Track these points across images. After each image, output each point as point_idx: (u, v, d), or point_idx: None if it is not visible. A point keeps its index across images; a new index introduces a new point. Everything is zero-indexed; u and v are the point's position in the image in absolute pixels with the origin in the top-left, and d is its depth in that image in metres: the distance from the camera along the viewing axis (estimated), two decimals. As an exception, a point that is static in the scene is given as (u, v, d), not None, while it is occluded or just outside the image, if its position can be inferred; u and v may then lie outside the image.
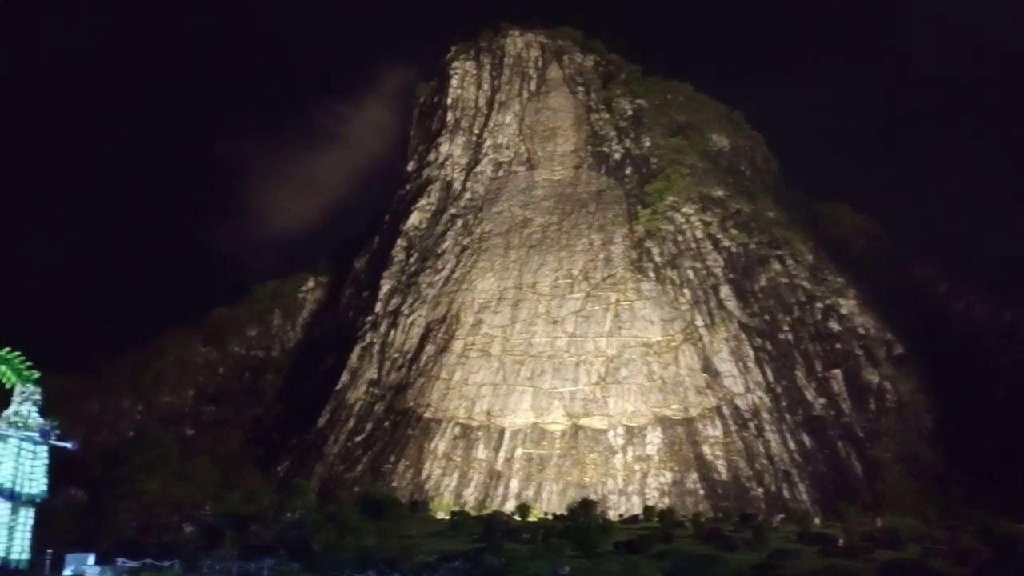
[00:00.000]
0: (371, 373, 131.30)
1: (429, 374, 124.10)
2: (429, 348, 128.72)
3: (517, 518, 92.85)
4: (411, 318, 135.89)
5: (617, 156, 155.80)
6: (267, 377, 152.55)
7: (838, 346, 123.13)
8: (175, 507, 76.00)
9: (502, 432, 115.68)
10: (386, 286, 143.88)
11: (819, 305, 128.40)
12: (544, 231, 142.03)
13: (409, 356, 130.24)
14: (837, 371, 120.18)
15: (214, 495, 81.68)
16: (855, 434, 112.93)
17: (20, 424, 6.50)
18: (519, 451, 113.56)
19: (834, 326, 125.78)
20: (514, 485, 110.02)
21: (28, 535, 6.50)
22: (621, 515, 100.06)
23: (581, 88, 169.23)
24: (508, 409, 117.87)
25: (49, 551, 41.53)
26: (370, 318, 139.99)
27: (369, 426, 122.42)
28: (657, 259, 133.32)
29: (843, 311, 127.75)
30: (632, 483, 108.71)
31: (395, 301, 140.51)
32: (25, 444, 6.30)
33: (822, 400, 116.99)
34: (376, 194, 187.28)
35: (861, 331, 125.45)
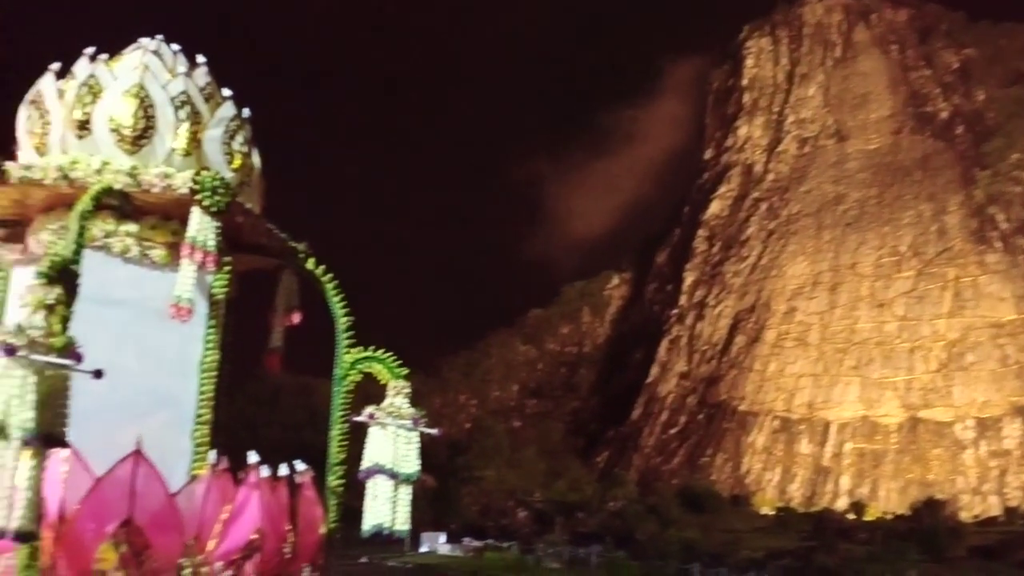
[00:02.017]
0: (680, 366, 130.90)
1: (741, 366, 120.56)
2: (739, 339, 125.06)
3: (851, 517, 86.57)
4: (718, 309, 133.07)
5: (944, 115, 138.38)
6: (581, 372, 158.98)
7: None
8: (509, 493, 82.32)
9: (827, 425, 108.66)
10: (690, 278, 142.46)
11: None
12: (862, 206, 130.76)
13: (718, 348, 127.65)
14: None
15: (542, 483, 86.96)
16: None
17: (395, 414, 7.61)
18: (848, 446, 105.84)
19: None
20: (845, 482, 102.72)
21: (407, 510, 7.59)
22: (976, 516, 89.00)
23: (894, 46, 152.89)
24: (832, 401, 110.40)
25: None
26: (675, 311, 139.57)
27: (683, 419, 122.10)
28: (1003, 226, 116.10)
29: None
30: (987, 481, 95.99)
31: (700, 293, 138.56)
32: (400, 431, 7.40)
33: None
34: (674, 187, 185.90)
35: None
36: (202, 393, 6.43)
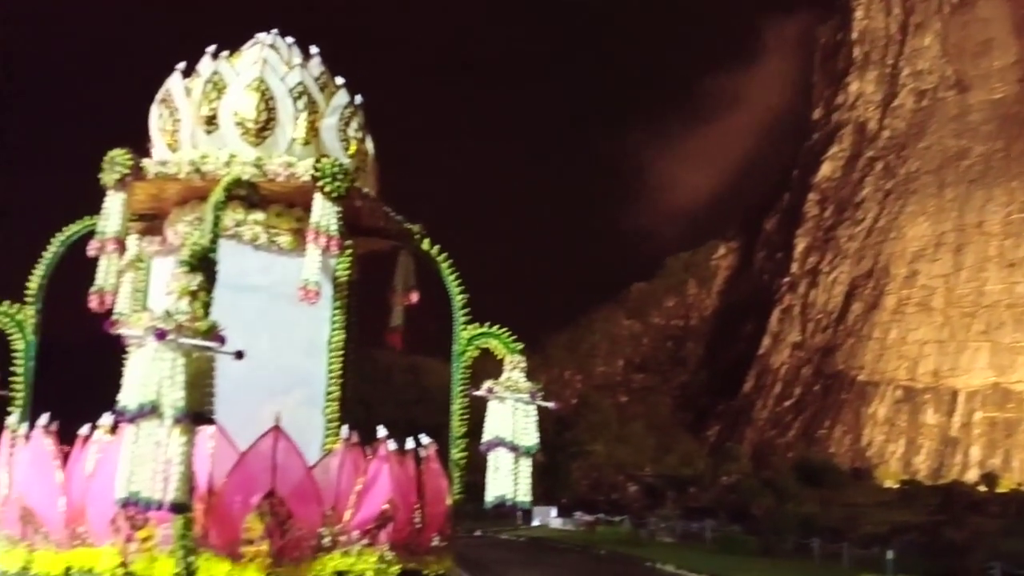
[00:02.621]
0: (794, 336, 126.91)
1: (859, 334, 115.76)
2: (856, 306, 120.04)
3: (982, 489, 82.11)
4: (832, 276, 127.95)
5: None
6: (688, 345, 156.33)
7: None
8: (619, 468, 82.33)
9: (954, 394, 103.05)
10: (801, 244, 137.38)
11: None
12: (987, 161, 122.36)
13: (834, 316, 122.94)
14: None
15: (651, 458, 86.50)
16: None
17: (513, 388, 7.72)
18: (978, 415, 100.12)
19: None
20: (975, 452, 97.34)
21: (528, 481, 7.74)
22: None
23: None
24: (960, 368, 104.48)
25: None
26: (787, 280, 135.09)
27: (797, 391, 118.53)
28: None
29: None
30: None
31: (812, 259, 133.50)
32: (518, 405, 7.50)
33: None
34: (781, 150, 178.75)
35: None
36: (331, 371, 6.71)
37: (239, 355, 4.92)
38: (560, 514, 75.41)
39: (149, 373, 4.64)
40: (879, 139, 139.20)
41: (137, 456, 4.58)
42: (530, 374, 7.41)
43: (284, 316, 6.50)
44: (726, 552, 46.08)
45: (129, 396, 4.64)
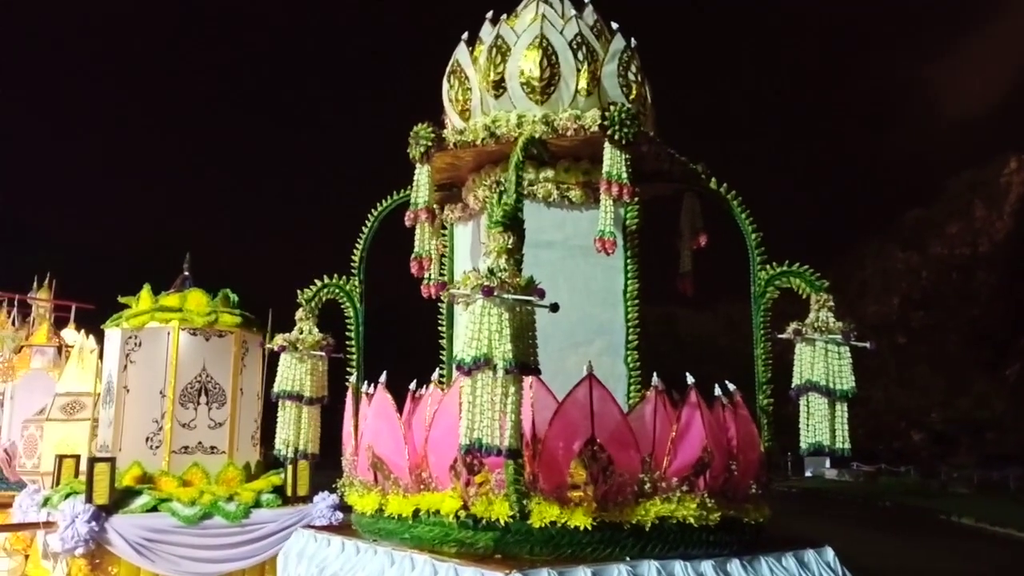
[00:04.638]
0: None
1: None
2: None
3: None
4: None
5: None
6: (978, 276, 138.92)
7: None
8: (900, 414, 76.37)
9: None
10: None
11: None
12: None
13: None
14: None
15: (939, 402, 79.21)
16: None
17: (822, 328, 7.34)
18: None
19: None
20: None
21: (846, 427, 7.29)
22: None
23: None
24: None
25: (788, 453, 45.93)
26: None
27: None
28: None
29: None
30: None
31: None
32: (830, 346, 7.11)
33: None
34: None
35: None
36: (629, 320, 6.76)
37: (554, 308, 5.10)
38: (834, 464, 71.99)
39: (480, 328, 4.95)
40: None
41: (476, 406, 4.91)
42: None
43: (580, 268, 6.63)
44: (1038, 504, 41.58)
45: (465, 350, 4.98)
